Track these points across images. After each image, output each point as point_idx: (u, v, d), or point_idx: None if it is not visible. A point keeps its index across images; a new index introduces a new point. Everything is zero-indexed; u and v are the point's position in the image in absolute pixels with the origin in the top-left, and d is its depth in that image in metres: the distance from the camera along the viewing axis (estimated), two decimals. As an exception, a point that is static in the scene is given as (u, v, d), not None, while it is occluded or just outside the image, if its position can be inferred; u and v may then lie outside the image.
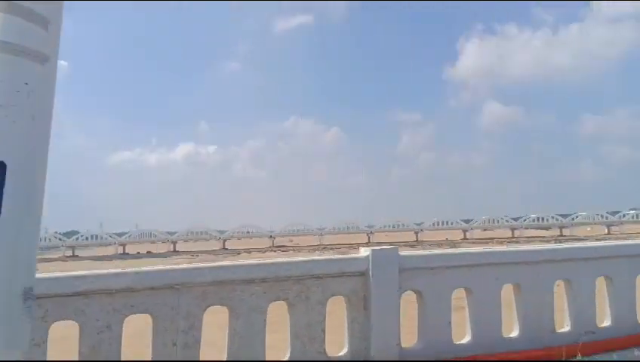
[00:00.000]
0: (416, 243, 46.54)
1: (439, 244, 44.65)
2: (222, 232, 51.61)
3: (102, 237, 49.51)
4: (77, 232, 59.47)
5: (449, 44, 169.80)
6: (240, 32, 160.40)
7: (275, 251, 45.41)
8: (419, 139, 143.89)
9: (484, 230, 62.98)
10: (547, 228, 60.44)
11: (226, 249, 50.91)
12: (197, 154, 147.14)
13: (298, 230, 54.57)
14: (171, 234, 50.82)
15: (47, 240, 47.34)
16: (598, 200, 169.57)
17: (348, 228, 53.44)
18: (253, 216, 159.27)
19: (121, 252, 50.88)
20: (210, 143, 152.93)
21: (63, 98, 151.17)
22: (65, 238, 49.53)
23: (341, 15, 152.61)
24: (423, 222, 53.42)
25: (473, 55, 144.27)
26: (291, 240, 59.73)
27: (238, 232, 53.10)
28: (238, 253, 44.38)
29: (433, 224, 53.46)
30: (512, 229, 54.51)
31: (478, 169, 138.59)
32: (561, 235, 52.67)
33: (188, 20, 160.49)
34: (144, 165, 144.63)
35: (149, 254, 49.89)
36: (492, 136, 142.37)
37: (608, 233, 52.96)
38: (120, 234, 51.00)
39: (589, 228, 61.19)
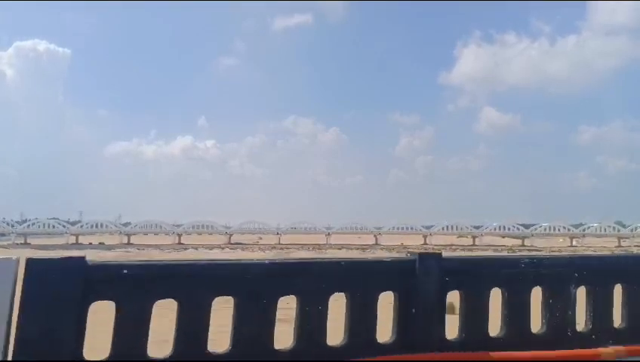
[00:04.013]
0: (368, 247, 45.70)
1: (390, 249, 43.77)
2: (178, 226, 50.80)
3: (53, 226, 48.80)
4: (58, 219, 58.93)
5: (447, 50, 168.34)
6: (240, 30, 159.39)
7: (222, 248, 44.67)
8: (417, 142, 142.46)
9: (460, 236, 62.06)
10: (520, 238, 59.41)
11: (181, 243, 50.10)
12: (194, 148, 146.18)
13: (256, 228, 53.77)
14: (125, 225, 50.04)
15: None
16: (588, 211, 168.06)
17: (306, 228, 52.68)
18: (249, 213, 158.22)
19: (73, 242, 50.23)
20: (209, 138, 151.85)
21: (65, 87, 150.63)
22: (17, 225, 48.81)
23: (340, 16, 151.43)
24: (382, 226, 52.56)
25: (471, 61, 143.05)
26: (260, 238, 58.88)
27: (193, 227, 52.28)
28: (185, 249, 43.66)
29: (393, 228, 52.55)
30: (474, 237, 53.59)
31: (473, 174, 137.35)
32: (523, 245, 51.76)
33: (189, 16, 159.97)
34: (141, 157, 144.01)
35: (101, 245, 49.28)
36: (488, 141, 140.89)
37: (571, 245, 52.07)
38: (73, 223, 50.32)
39: (561, 240, 60.27)
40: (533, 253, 29.84)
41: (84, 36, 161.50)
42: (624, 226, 52.37)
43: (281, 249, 43.54)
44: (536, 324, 3.05)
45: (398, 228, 53.69)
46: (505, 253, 33.15)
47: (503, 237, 62.62)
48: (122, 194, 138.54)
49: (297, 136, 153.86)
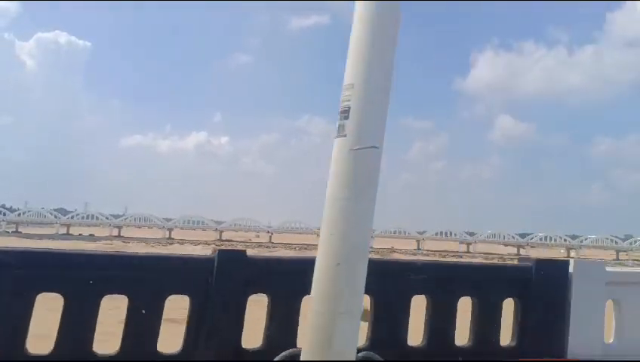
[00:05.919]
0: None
1: (376, 251, 42.92)
2: (168, 220, 50.65)
3: (44, 216, 49.00)
4: (64, 209, 59.35)
5: (464, 56, 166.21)
6: (258, 28, 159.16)
7: (208, 244, 44.25)
8: (430, 147, 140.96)
9: (462, 242, 60.82)
10: (516, 246, 58.18)
11: (171, 238, 49.83)
12: (208, 144, 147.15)
13: (247, 225, 53.40)
14: (116, 217, 50.06)
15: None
16: (599, 223, 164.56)
17: (298, 228, 52.23)
18: (250, 211, 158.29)
19: (64, 232, 50.30)
20: (224, 135, 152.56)
21: (84, 80, 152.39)
22: (9, 212, 49.11)
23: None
24: (374, 229, 51.66)
25: (487, 68, 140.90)
26: (257, 236, 58.41)
27: (184, 222, 52.06)
28: (171, 244, 43.37)
29: (385, 231, 51.69)
30: (467, 244, 52.50)
31: (484, 181, 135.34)
32: (518, 254, 50.46)
33: (208, 13, 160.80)
34: (155, 151, 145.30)
35: (91, 236, 49.27)
36: (502, 149, 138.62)
37: (568, 256, 50.61)
38: (64, 213, 50.49)
39: (562, 250, 58.78)
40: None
41: (105, 30, 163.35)
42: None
43: (267, 248, 43.00)
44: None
45: (393, 232, 52.83)
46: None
47: (506, 245, 61.37)
48: (134, 187, 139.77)
49: (311, 135, 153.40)
